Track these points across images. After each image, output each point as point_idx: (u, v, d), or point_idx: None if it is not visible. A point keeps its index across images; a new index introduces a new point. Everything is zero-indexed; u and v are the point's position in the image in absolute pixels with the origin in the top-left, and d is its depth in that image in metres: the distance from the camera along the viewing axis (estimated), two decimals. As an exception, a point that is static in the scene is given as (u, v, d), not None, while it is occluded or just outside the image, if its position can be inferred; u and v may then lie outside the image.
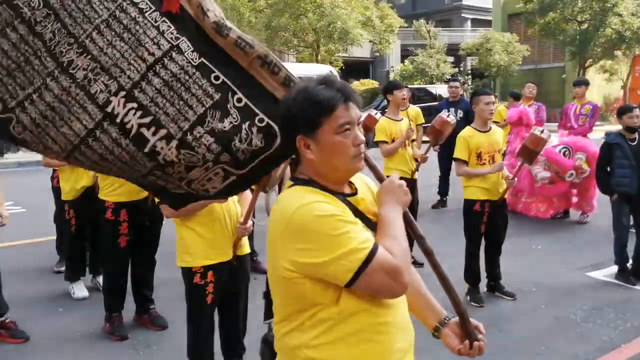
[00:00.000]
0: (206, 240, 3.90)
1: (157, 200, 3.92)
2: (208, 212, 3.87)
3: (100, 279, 6.01)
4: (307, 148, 1.94)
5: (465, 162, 5.89)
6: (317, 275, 1.84)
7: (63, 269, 6.45)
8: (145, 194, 4.97)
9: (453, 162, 6.26)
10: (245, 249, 4.16)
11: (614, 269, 6.76)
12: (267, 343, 2.29)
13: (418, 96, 23.60)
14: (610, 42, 31.39)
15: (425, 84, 30.49)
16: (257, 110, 2.16)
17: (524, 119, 9.49)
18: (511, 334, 5.21)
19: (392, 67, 38.57)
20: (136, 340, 5.08)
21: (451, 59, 36.13)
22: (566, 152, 9.12)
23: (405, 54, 38.25)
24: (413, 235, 2.09)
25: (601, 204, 8.80)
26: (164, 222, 5.23)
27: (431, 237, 2.17)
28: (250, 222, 3.95)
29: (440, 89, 24.22)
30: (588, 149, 9.16)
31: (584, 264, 7.25)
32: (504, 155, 6.04)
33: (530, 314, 5.72)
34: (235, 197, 4.05)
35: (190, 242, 3.92)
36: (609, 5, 30.22)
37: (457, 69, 35.77)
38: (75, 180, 5.88)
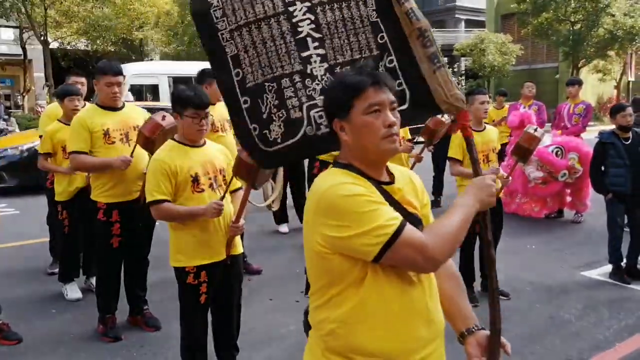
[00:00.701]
0: (199, 240, 3.89)
1: (147, 200, 3.91)
2: (201, 212, 3.86)
3: (94, 280, 5.97)
4: (342, 131, 2.06)
5: (460, 162, 5.87)
6: (344, 250, 1.92)
7: (56, 270, 6.41)
8: (137, 194, 4.97)
9: (447, 162, 6.25)
10: (239, 248, 4.15)
11: (609, 268, 6.77)
12: (307, 314, 2.37)
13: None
14: (603, 42, 31.48)
15: (420, 84, 30.46)
16: (400, 75, 2.44)
17: (526, 122, 9.42)
18: (505, 333, 5.12)
19: (387, 68, 38.56)
20: (130, 341, 5.05)
21: (445, 59, 35.96)
22: (559, 152, 9.13)
23: (400, 54, 38.26)
24: (483, 239, 2.21)
25: (595, 203, 8.82)
26: (157, 223, 5.20)
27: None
28: (242, 221, 3.93)
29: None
30: (581, 149, 9.16)
31: (579, 263, 7.26)
32: (502, 156, 6.01)
33: (524, 313, 5.71)
34: (228, 197, 4.05)
35: (183, 242, 3.91)
36: (601, 5, 30.29)
37: (451, 69, 35.74)
38: (69, 182, 5.86)
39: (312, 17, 2.47)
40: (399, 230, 1.86)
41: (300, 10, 2.47)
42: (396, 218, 1.89)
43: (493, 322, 2.18)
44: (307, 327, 2.28)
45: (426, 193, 2.30)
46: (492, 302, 2.21)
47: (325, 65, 2.48)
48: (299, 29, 2.48)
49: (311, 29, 2.48)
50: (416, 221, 2.05)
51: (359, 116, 2.00)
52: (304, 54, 2.48)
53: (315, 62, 2.47)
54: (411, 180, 2.25)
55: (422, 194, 2.25)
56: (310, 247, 2.02)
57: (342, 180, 1.95)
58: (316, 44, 2.48)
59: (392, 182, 2.12)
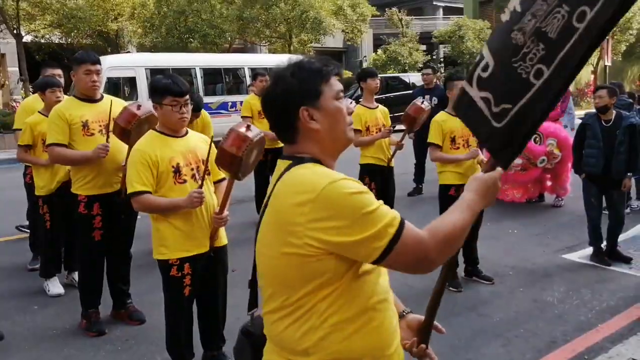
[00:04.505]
0: (182, 232, 3.86)
1: (128, 192, 3.86)
2: (184, 203, 3.82)
3: (76, 275, 5.92)
4: (311, 119, 1.89)
5: (439, 147, 5.89)
6: (343, 252, 1.76)
7: (37, 266, 6.35)
8: (117, 186, 4.92)
9: (428, 149, 6.26)
10: (223, 240, 4.12)
11: (589, 250, 6.85)
12: (249, 335, 2.14)
13: (392, 85, 23.64)
14: (580, 27, 31.64)
15: (399, 72, 30.54)
16: None
17: None
18: (489, 318, 5.23)
19: (365, 56, 38.56)
20: (114, 336, 5.01)
21: (424, 47, 36.18)
22: (537, 139, 9.17)
23: (378, 43, 38.24)
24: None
25: (575, 187, 8.88)
26: (139, 216, 5.15)
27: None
28: (226, 212, 3.90)
29: (414, 77, 24.27)
30: (559, 134, 9.23)
31: (560, 246, 7.33)
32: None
33: (507, 297, 5.76)
34: (211, 188, 4.02)
35: (166, 234, 3.87)
36: (577, -10, 30.49)
37: (429, 56, 35.85)
38: (51, 176, 5.77)
39: None
40: (399, 232, 1.74)
41: None
42: (395, 218, 1.75)
43: (431, 312, 2.11)
44: (251, 350, 2.11)
45: None
46: (438, 295, 2.14)
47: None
48: None
49: None
50: None
51: (331, 101, 1.90)
52: None
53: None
54: None
55: None
56: (292, 252, 1.78)
57: (339, 176, 1.79)
58: None
59: None
